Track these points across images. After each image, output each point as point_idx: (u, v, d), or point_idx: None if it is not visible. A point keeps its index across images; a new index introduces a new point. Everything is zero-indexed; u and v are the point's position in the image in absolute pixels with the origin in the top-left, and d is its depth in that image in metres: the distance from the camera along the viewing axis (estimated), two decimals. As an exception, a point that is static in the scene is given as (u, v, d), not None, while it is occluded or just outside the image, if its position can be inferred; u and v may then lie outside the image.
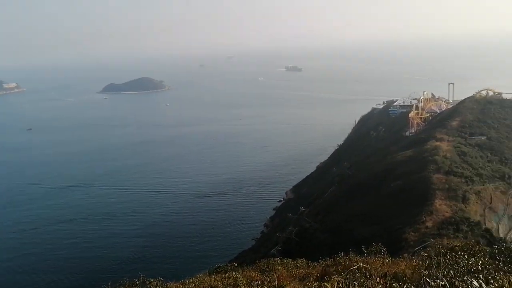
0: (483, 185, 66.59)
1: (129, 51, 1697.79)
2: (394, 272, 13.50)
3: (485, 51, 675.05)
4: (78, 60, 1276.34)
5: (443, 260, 12.72)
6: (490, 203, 62.72)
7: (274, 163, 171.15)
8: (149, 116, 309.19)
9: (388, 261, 16.95)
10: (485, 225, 55.06)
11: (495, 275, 9.24)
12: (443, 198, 59.59)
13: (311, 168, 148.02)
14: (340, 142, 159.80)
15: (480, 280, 8.25)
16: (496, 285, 8.13)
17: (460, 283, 8.52)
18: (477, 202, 61.11)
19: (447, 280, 8.78)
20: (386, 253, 19.10)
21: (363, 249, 20.08)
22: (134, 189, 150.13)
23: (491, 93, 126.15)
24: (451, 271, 9.93)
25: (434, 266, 12.15)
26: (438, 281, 8.94)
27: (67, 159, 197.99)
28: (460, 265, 10.92)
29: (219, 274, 19.05)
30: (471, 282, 8.26)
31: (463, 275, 9.11)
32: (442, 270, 10.63)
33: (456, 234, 48.89)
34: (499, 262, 11.82)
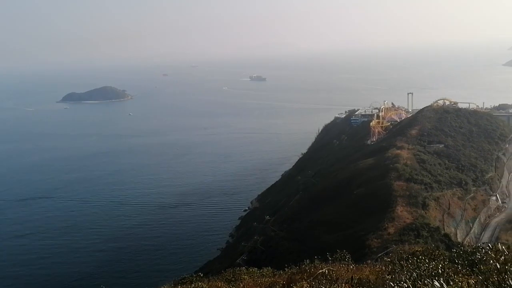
0: (442, 191, 69.01)
1: (90, 60, 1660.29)
2: (358, 278, 13.69)
3: (443, 62, 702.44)
4: (35, 69, 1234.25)
5: (406, 264, 13.03)
6: (449, 209, 65.00)
7: (239, 172, 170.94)
8: (111, 126, 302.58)
9: (353, 267, 17.16)
10: (444, 230, 56.93)
11: (454, 277, 9.57)
12: (404, 204, 61.28)
13: (276, 176, 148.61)
14: (304, 150, 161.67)
15: (441, 281, 8.55)
16: (456, 286, 8.47)
17: (423, 286, 8.77)
18: (436, 208, 63.19)
19: (411, 283, 9.03)
20: (350, 259, 19.32)
21: (328, 256, 20.24)
22: (96, 201, 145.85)
23: (447, 102, 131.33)
24: (413, 273, 10.21)
25: (397, 270, 12.43)
26: (402, 283, 9.17)
27: (23, 170, 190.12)
28: (421, 268, 11.22)
29: (184, 285, 18.75)
30: (433, 284, 8.52)
31: (425, 278, 9.38)
32: (405, 273, 10.90)
33: (417, 239, 50.32)
34: (458, 265, 12.22)
